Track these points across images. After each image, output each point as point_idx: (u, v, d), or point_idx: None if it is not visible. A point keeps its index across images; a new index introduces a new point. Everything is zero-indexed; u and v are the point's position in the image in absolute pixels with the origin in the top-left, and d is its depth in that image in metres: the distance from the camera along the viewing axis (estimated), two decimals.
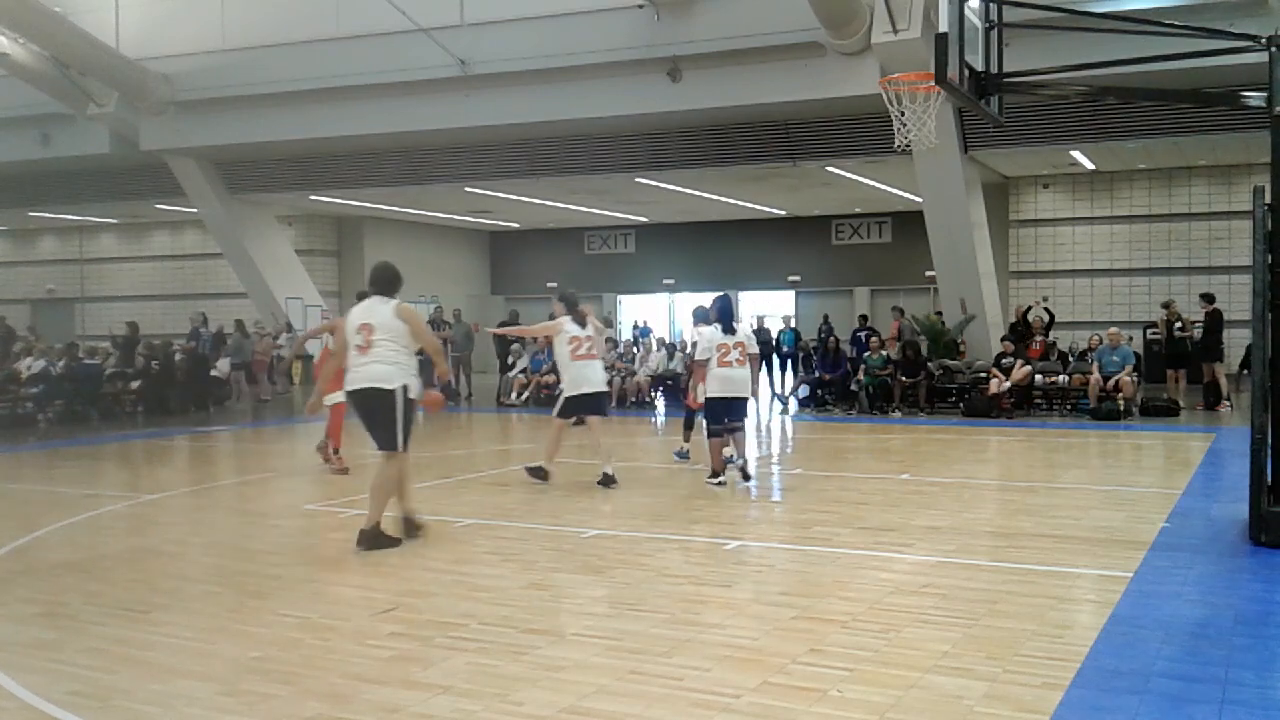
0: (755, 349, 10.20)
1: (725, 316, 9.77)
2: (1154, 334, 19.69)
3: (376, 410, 7.11)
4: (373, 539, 7.11)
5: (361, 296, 7.43)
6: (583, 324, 9.87)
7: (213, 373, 20.11)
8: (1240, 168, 21.04)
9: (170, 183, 22.24)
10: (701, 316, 10.41)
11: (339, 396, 10.85)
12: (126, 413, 18.00)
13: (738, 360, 9.66)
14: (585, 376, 9.86)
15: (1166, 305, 18.60)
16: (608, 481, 9.64)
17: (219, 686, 4.52)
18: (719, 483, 9.70)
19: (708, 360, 9.68)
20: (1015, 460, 12.13)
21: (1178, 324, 18.05)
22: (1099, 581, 6.16)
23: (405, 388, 7.08)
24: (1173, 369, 17.86)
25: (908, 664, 4.65)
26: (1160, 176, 22.42)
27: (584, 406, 9.96)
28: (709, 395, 9.74)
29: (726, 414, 9.75)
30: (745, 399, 9.91)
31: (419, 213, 27.14)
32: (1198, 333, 17.56)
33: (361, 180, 21.56)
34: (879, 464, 11.65)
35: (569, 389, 9.91)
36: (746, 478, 9.77)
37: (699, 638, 5.07)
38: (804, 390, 18.70)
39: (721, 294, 10.40)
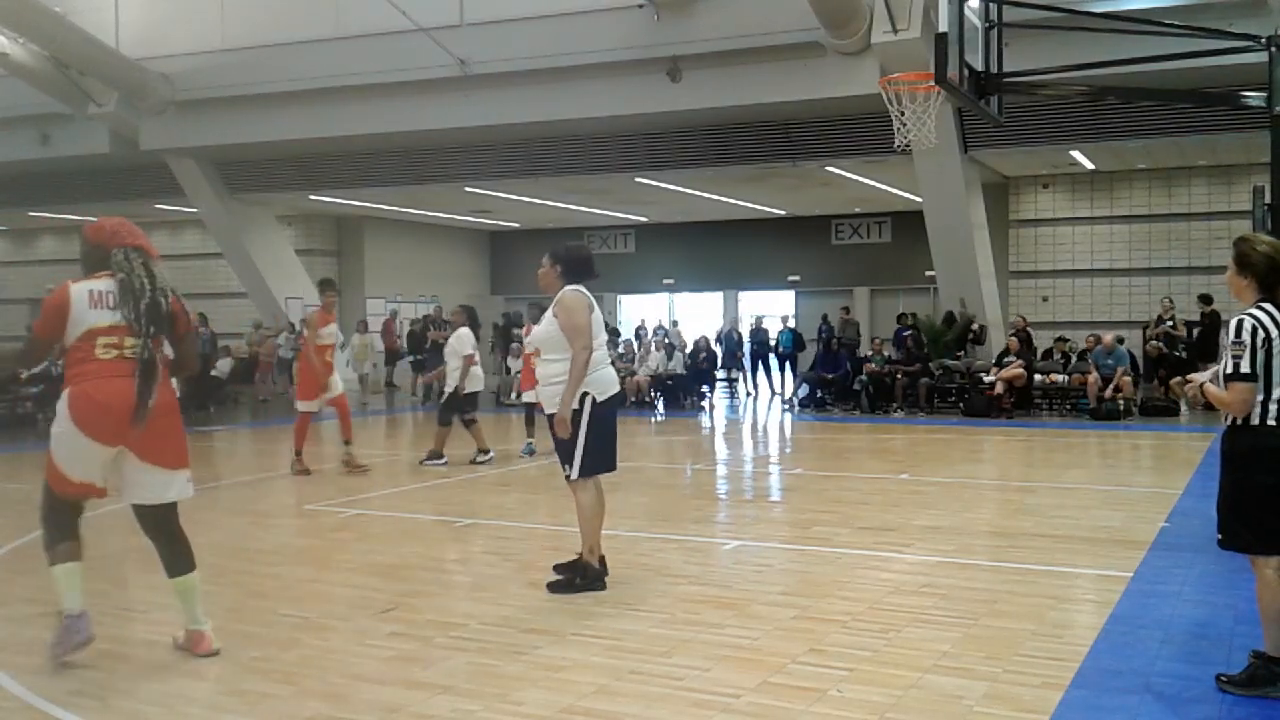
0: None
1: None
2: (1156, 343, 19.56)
3: None
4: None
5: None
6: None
7: (213, 373, 20.09)
8: (1240, 168, 20.99)
9: (170, 183, 22.21)
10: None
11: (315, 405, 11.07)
12: None
13: None
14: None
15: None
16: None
17: (219, 686, 4.52)
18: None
19: None
20: (1015, 460, 12.13)
21: (1169, 323, 18.05)
22: (1099, 581, 6.16)
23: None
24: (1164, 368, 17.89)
25: (908, 664, 4.65)
26: (1160, 176, 22.39)
27: None
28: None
29: None
30: None
31: (419, 213, 27.10)
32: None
33: (361, 180, 21.53)
34: (879, 464, 11.64)
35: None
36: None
37: (699, 638, 5.07)
38: (804, 390, 18.71)
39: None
